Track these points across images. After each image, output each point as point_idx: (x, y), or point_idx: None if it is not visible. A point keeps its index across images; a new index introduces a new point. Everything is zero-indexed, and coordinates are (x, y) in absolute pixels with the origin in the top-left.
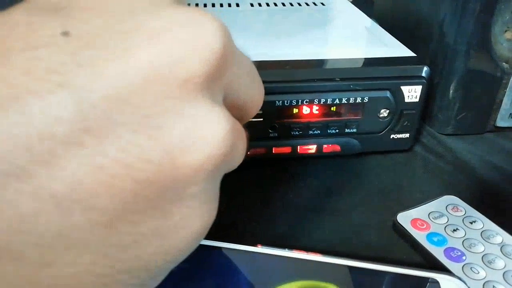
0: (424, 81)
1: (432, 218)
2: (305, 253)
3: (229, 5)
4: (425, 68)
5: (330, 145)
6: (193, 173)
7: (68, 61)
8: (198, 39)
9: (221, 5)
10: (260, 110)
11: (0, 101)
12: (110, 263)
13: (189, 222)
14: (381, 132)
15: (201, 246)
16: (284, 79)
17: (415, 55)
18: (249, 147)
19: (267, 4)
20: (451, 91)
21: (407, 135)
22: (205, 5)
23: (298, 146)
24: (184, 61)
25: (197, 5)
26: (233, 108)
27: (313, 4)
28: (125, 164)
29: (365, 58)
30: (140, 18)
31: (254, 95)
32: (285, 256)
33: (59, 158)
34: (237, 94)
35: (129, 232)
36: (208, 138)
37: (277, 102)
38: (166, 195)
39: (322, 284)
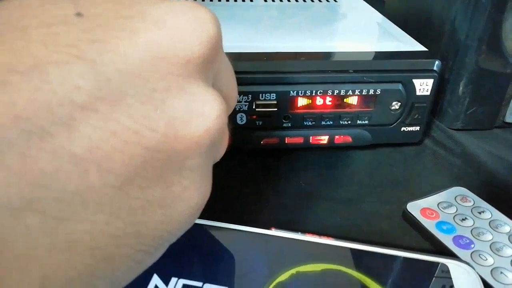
0: (436, 74)
1: (441, 207)
2: (318, 236)
3: (243, 0)
4: (437, 62)
5: (342, 136)
6: (192, 145)
7: (82, 37)
8: (197, 25)
9: (235, 0)
10: (275, 100)
11: (23, 69)
12: (121, 224)
13: (188, 194)
14: (392, 124)
15: (216, 227)
16: (299, 70)
17: (426, 49)
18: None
19: (281, 0)
20: (461, 87)
21: (418, 128)
22: (219, 0)
23: (311, 137)
24: (186, 43)
25: (211, 0)
26: None
27: (326, 1)
28: (135, 131)
29: (377, 52)
30: (144, 7)
31: (233, 91)
32: (298, 239)
33: (78, 122)
34: (220, 85)
35: (137, 197)
36: (206, 113)
37: (291, 92)
38: (169, 165)
39: (334, 266)
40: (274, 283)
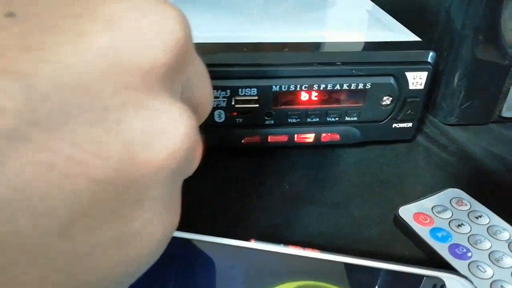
0: (430, 67)
1: (436, 212)
2: (301, 249)
3: None
4: (431, 53)
5: (329, 133)
6: (154, 171)
7: (13, 44)
8: (161, 26)
9: None
10: (256, 95)
11: None
12: (62, 278)
13: (151, 228)
14: (383, 120)
15: (192, 240)
16: (282, 63)
17: (420, 39)
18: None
19: None
20: (456, 79)
21: (410, 124)
22: None
23: (295, 135)
24: (147, 48)
25: None
26: None
27: None
28: (79, 162)
29: (367, 42)
30: (95, 1)
31: (207, 97)
32: (279, 253)
33: (2, 156)
34: (192, 93)
35: (84, 242)
36: (170, 133)
37: (273, 87)
38: (126, 197)
39: (319, 284)
40: None
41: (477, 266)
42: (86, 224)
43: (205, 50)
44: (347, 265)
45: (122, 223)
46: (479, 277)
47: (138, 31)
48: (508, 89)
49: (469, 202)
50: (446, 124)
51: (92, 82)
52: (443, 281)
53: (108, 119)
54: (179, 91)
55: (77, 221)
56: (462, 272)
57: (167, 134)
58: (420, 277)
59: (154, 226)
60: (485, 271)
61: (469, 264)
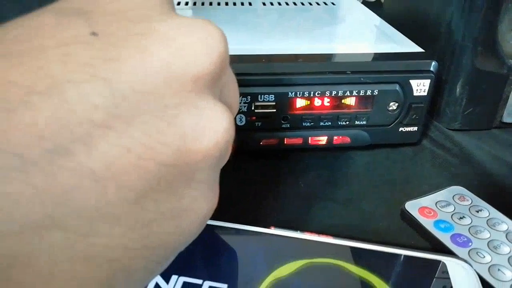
0: (433, 75)
1: (440, 206)
2: (317, 235)
3: (242, 3)
4: (433, 63)
5: (340, 137)
6: (202, 158)
7: (98, 56)
8: (206, 43)
9: (234, 3)
10: (274, 101)
11: (42, 88)
12: (136, 237)
13: (198, 205)
14: (390, 124)
15: (216, 227)
16: (297, 71)
17: (423, 50)
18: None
19: (279, 3)
20: (458, 87)
21: (415, 128)
22: (218, 4)
23: (309, 138)
24: (196, 61)
25: (210, 3)
26: None
27: (324, 4)
28: (149, 147)
29: (375, 53)
30: (154, 24)
31: (236, 99)
32: (297, 238)
33: (96, 140)
34: (226, 95)
35: (151, 210)
36: (215, 127)
37: (289, 93)
38: (181, 178)
39: (333, 261)
40: (272, 278)
41: (477, 252)
42: (152, 196)
43: (230, 60)
44: (359, 249)
45: (177, 198)
46: (479, 262)
47: (189, 47)
48: (508, 96)
49: (470, 198)
50: (450, 129)
51: (156, 86)
52: (445, 264)
53: (169, 114)
54: (218, 94)
55: (147, 193)
56: (463, 258)
57: (213, 128)
58: (424, 260)
59: (200, 203)
60: (484, 257)
61: (469, 251)
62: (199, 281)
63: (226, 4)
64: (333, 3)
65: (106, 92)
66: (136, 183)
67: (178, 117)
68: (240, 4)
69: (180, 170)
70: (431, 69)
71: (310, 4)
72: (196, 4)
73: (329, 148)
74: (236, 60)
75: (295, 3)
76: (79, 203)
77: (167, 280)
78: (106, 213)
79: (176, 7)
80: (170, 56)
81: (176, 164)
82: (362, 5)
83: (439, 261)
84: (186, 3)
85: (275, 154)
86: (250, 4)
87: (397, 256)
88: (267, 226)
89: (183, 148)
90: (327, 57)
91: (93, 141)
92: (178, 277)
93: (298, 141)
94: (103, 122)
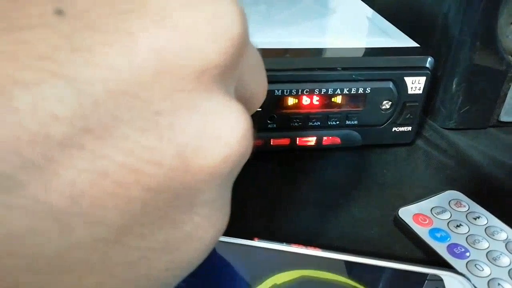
0: (428, 72)
1: (435, 213)
2: (303, 247)
3: None
4: (429, 59)
5: (330, 137)
6: (207, 178)
7: (63, 46)
8: (216, 23)
9: None
10: None
11: None
12: (116, 284)
13: (201, 232)
14: (383, 124)
15: None
16: (284, 68)
17: (418, 45)
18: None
19: None
20: (454, 84)
21: (409, 128)
22: None
23: (297, 138)
24: (200, 48)
25: None
26: (240, 101)
27: None
28: (133, 169)
29: (367, 48)
30: None
31: (261, 87)
32: (282, 250)
33: (56, 164)
34: (246, 86)
35: (137, 247)
36: (225, 137)
37: (276, 91)
38: (177, 203)
39: (321, 272)
40: None
41: (475, 265)
42: (139, 230)
43: None
44: (350, 263)
45: (174, 228)
46: (477, 276)
47: (191, 29)
48: (506, 94)
49: (467, 204)
50: (445, 128)
51: (143, 86)
52: (441, 278)
53: (160, 124)
54: (233, 86)
55: (131, 228)
56: (461, 271)
57: (223, 138)
58: (419, 274)
59: (204, 229)
60: (483, 270)
61: (467, 263)
62: None
63: None
64: None
65: (69, 96)
66: (115, 217)
67: (174, 127)
68: None
69: (177, 194)
70: (427, 65)
71: None
72: None
73: (318, 149)
74: None
75: None
76: (32, 253)
77: None
78: (72, 260)
79: None
80: (162, 42)
81: (170, 187)
82: None
83: (436, 276)
84: None
85: (260, 155)
86: None
87: (390, 269)
88: (249, 235)
89: (180, 166)
90: (316, 52)
91: (51, 166)
92: None
93: (285, 142)
94: (67, 139)
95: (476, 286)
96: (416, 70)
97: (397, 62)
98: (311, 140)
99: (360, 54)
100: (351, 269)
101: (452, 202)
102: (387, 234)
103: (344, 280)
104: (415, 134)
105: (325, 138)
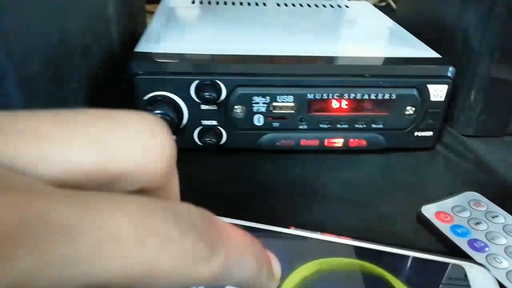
0: (450, 81)
1: (456, 211)
2: (336, 236)
3: (256, 4)
4: (451, 69)
5: (356, 139)
6: None
7: None
8: None
9: (249, 4)
10: (293, 102)
11: None
12: None
13: None
14: (406, 129)
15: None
16: (316, 73)
17: (440, 56)
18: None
19: (293, 5)
20: (473, 94)
21: (431, 133)
22: (233, 3)
23: (326, 139)
24: None
25: (225, 3)
26: None
27: (338, 6)
28: None
29: (393, 57)
30: None
31: None
32: (316, 238)
33: None
34: None
35: None
36: None
37: (308, 95)
38: None
39: (353, 260)
40: (293, 277)
41: (494, 258)
42: None
43: (249, 61)
44: (379, 251)
45: None
46: (496, 267)
47: None
48: None
49: (486, 204)
50: (464, 135)
51: None
52: (463, 268)
53: None
54: None
55: None
56: (481, 263)
57: None
58: (443, 264)
59: None
60: (501, 263)
61: (486, 257)
62: None
63: (241, 4)
64: (346, 6)
65: None
66: None
67: None
68: (254, 4)
69: None
70: (449, 74)
71: (324, 6)
72: (211, 2)
73: (345, 150)
74: (256, 60)
75: (309, 5)
76: None
77: None
78: None
79: (188, 5)
80: None
81: None
82: (375, 8)
83: (458, 266)
84: (201, 2)
85: (291, 154)
86: (264, 4)
87: (416, 259)
88: (286, 226)
89: None
90: (345, 60)
91: None
92: None
93: (314, 142)
94: None
95: (495, 276)
96: (438, 79)
97: (420, 71)
98: (339, 142)
99: (386, 62)
100: (378, 258)
101: (472, 202)
102: (411, 229)
103: (373, 267)
104: (436, 139)
105: (351, 140)
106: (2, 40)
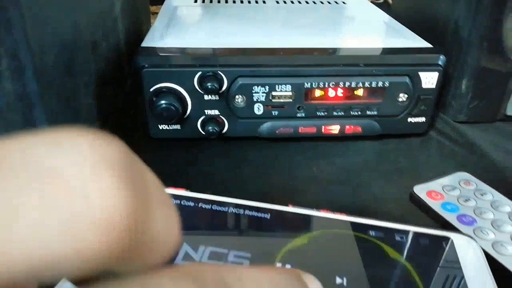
0: (440, 68)
1: (446, 190)
2: (330, 212)
3: (256, 2)
4: (441, 57)
5: (352, 126)
6: None
7: None
8: None
9: (249, 2)
10: (291, 91)
11: None
12: None
13: None
14: (400, 115)
15: (239, 205)
16: (313, 63)
17: (431, 46)
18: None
19: (292, 2)
20: (464, 82)
21: (423, 119)
22: (234, 1)
23: (323, 127)
24: None
25: (226, 1)
26: None
27: (335, 3)
28: None
29: (386, 48)
30: None
31: None
32: (312, 215)
33: None
34: None
35: None
36: None
37: (305, 84)
38: None
39: (348, 231)
40: (289, 247)
41: (481, 230)
42: None
43: (249, 53)
44: (369, 226)
45: None
46: (483, 239)
47: None
48: (511, 91)
49: (475, 183)
50: (456, 121)
51: None
52: (451, 239)
53: None
54: None
55: None
56: (469, 235)
57: None
58: (431, 236)
59: None
60: (488, 234)
61: (474, 229)
62: (225, 251)
63: (241, 2)
64: (343, 2)
65: None
66: None
67: None
68: (254, 2)
69: None
70: (439, 62)
71: (322, 3)
72: (212, 1)
73: (341, 137)
74: (256, 53)
75: (307, 2)
76: None
77: (195, 250)
78: None
79: (190, 4)
80: None
81: None
82: (371, 4)
83: (447, 237)
84: (203, 1)
85: (289, 141)
86: (264, 2)
87: (408, 232)
88: (286, 204)
89: None
90: (340, 51)
91: None
92: (206, 247)
93: (312, 130)
94: None
95: (482, 246)
96: (429, 67)
97: (412, 59)
98: (335, 129)
99: (380, 52)
100: (372, 231)
101: (462, 182)
102: (404, 208)
103: (367, 237)
104: (429, 125)
105: (347, 127)
106: (23, 35)
